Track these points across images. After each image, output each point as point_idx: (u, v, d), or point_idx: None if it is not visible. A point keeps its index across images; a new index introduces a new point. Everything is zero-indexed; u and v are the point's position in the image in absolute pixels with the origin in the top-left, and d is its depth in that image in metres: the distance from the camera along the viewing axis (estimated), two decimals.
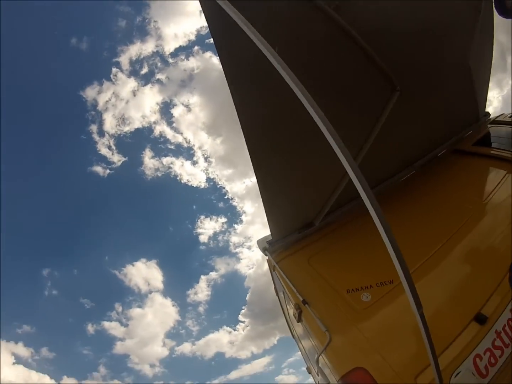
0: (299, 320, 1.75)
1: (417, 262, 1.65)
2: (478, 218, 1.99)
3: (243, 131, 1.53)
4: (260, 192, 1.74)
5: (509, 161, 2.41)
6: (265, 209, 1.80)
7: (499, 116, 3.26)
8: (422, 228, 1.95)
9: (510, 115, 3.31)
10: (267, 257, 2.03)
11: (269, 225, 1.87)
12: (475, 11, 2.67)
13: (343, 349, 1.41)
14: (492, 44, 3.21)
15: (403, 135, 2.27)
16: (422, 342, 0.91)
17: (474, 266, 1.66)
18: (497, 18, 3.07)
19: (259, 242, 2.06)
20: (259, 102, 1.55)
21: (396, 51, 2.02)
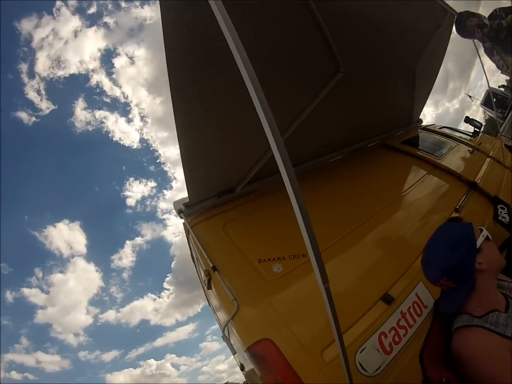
0: (209, 287, 1.69)
1: (330, 240, 1.66)
2: (394, 208, 2.10)
3: (169, 80, 1.35)
4: (180, 151, 1.59)
5: (431, 164, 2.68)
6: (183, 169, 1.67)
7: (430, 125, 3.61)
8: (339, 209, 1.98)
9: (440, 126, 3.69)
10: (182, 220, 1.93)
11: (187, 187, 1.74)
12: (435, 25, 2.81)
13: (250, 319, 1.35)
14: (441, 63, 3.45)
15: (336, 118, 2.29)
16: None
17: (385, 250, 1.73)
18: (451, 44, 3.29)
19: (176, 204, 1.90)
20: (193, 53, 1.38)
21: (348, 35, 2.00)
